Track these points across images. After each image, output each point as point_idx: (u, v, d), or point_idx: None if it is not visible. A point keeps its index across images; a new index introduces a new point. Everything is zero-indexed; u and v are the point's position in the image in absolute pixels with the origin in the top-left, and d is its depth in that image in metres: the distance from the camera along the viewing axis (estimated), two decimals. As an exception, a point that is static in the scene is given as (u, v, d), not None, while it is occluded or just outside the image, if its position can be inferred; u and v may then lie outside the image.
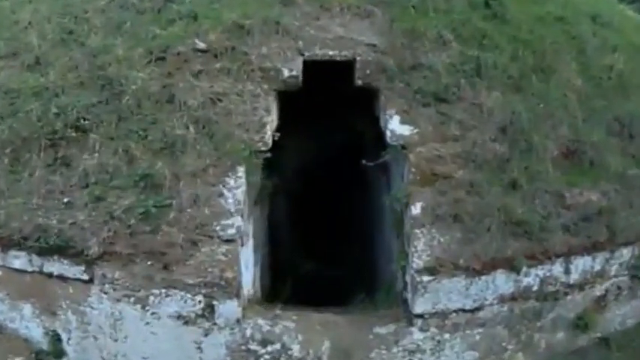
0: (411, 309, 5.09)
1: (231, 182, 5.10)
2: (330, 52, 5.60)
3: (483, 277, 5.02)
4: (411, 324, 5.11)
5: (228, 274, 4.87)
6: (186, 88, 5.41)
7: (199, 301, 4.90)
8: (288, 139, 5.59)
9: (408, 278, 5.18)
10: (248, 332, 5.05)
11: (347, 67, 5.63)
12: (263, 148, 5.29)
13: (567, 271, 5.27)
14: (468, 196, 5.16)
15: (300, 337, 5.09)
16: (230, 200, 5.04)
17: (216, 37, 5.61)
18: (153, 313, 4.97)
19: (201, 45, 5.59)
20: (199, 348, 5.03)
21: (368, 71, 5.57)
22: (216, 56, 5.55)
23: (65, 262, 5.01)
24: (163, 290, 4.90)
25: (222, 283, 4.86)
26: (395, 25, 5.80)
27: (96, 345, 5.17)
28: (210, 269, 4.87)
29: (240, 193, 5.08)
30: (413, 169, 5.24)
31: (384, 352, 5.11)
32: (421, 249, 4.99)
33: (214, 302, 4.90)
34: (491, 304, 5.12)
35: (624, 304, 5.72)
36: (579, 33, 6.31)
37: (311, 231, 7.93)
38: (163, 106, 5.38)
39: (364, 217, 7.62)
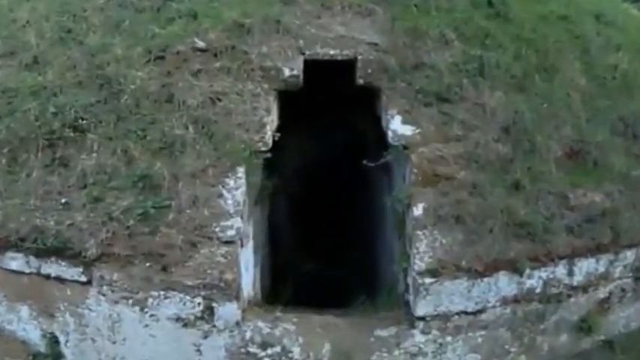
0: (412, 311, 5.05)
1: (231, 183, 5.07)
2: (331, 51, 5.57)
3: (486, 279, 4.98)
4: (412, 326, 5.07)
5: (228, 276, 4.83)
6: (185, 88, 5.37)
7: (198, 303, 4.85)
8: (289, 139, 5.56)
9: (409, 280, 5.14)
10: (248, 335, 5.01)
11: (348, 66, 5.59)
12: (263, 149, 5.25)
13: (571, 273, 5.23)
14: (470, 197, 5.12)
15: (300, 340, 5.06)
16: (230, 201, 5.00)
17: (216, 36, 5.58)
18: (151, 315, 4.93)
19: (201, 44, 5.55)
20: (198, 350, 4.98)
21: (369, 70, 5.53)
22: (215, 55, 5.51)
23: (63, 263, 4.96)
24: (162, 292, 4.86)
25: (222, 284, 4.82)
26: (397, 24, 5.76)
27: (94, 347, 5.13)
28: (209, 271, 4.83)
29: (240, 193, 5.04)
30: (415, 170, 5.20)
31: (385, 354, 5.07)
32: (423, 250, 4.96)
33: (214, 304, 4.86)
34: (494, 307, 5.08)
35: (628, 307, 5.67)
36: (583, 32, 6.27)
37: (312, 232, 7.89)
38: (162, 105, 5.34)
39: (365, 217, 7.57)
